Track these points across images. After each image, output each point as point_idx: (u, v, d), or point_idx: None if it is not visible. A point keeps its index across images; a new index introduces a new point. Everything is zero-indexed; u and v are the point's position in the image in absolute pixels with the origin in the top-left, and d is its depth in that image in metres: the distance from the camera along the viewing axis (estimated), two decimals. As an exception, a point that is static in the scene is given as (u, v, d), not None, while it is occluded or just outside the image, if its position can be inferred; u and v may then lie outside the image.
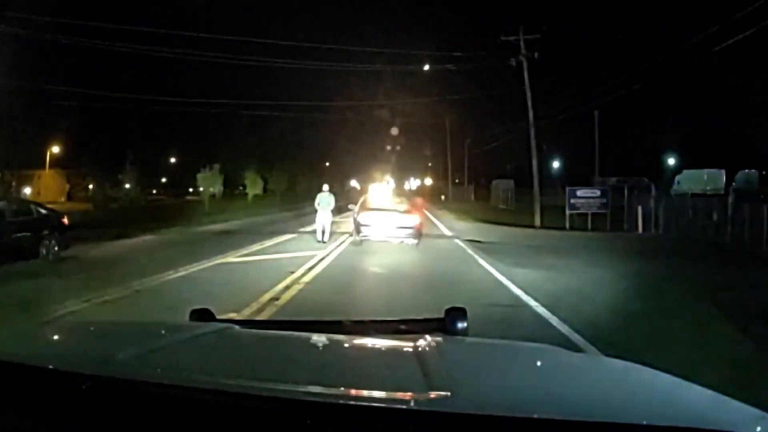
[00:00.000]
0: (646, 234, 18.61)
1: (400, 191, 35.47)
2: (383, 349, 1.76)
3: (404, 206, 15.92)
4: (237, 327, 1.92)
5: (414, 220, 14.73)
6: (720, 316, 6.65)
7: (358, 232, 14.52)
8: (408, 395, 1.15)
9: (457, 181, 57.62)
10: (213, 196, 38.29)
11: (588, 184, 29.08)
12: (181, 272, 9.82)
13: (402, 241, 14.27)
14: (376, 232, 14.39)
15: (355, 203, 16.25)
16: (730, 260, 12.25)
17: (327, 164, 74.70)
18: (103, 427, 1.07)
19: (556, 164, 51.75)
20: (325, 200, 15.77)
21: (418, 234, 14.39)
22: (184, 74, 69.01)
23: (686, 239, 16.11)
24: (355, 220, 14.91)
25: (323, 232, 15.44)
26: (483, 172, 55.78)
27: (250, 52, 50.60)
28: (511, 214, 28.09)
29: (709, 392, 1.27)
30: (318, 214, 15.72)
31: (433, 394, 1.13)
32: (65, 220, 12.82)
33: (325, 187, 16.22)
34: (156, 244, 15.88)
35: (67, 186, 56.94)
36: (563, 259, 12.13)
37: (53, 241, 11.92)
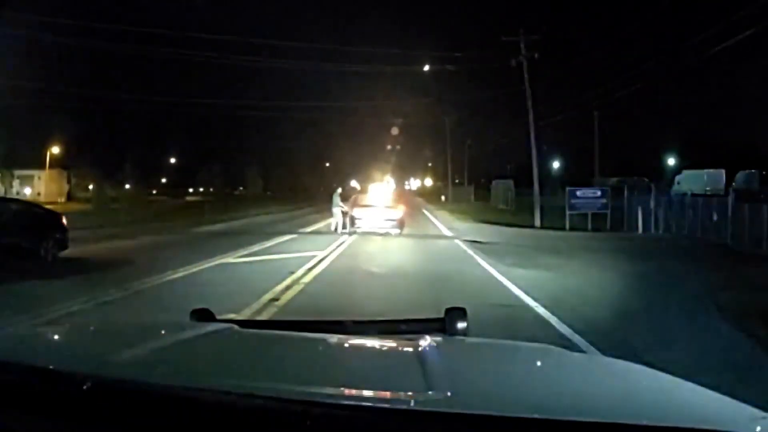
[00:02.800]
0: (646, 234, 18.61)
1: (400, 191, 36.45)
2: (383, 349, 1.76)
3: (389, 203, 19.64)
4: (237, 327, 1.92)
5: (397, 214, 18.41)
6: (721, 317, 6.65)
7: (352, 224, 18.04)
8: (408, 395, 1.15)
9: (457, 181, 57.59)
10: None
11: (588, 184, 29.09)
12: (181, 273, 9.80)
13: (387, 232, 17.50)
14: (367, 224, 17.86)
15: (346, 200, 19.91)
16: (731, 260, 12.25)
17: (327, 164, 74.82)
18: (104, 428, 1.07)
19: (556, 164, 51.73)
20: (335, 200, 19.33)
21: (401, 225, 18.11)
22: (185, 75, 69.01)
23: (686, 239, 16.11)
24: (349, 215, 18.42)
25: (337, 225, 18.86)
26: (483, 173, 55.80)
27: (250, 52, 50.63)
28: (511, 214, 28.09)
29: (709, 392, 1.27)
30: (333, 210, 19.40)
31: (433, 394, 1.13)
32: (64, 221, 12.73)
33: (339, 190, 20.25)
34: (155, 245, 15.88)
35: (67, 186, 56.94)
36: (563, 260, 12.13)
37: (52, 242, 11.86)
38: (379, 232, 17.48)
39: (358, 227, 17.78)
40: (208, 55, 30.82)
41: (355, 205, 18.97)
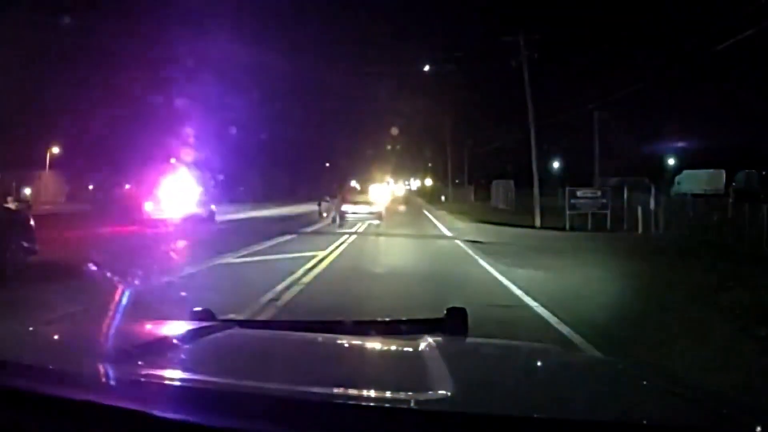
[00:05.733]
0: (646, 234, 18.60)
1: (396, 192, 42.52)
2: (383, 349, 1.76)
3: (371, 199, 27.33)
4: (237, 327, 1.92)
5: (377, 208, 25.64)
6: (720, 317, 6.65)
7: (341, 217, 22.61)
8: (408, 395, 1.15)
9: (457, 181, 57.49)
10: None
11: (588, 184, 29.07)
12: (180, 274, 9.72)
13: (370, 222, 22.37)
14: (352, 216, 23.64)
15: (334, 197, 25.07)
16: (731, 261, 12.24)
17: (327, 164, 74.83)
18: (103, 427, 1.07)
19: (556, 164, 51.64)
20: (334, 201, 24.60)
21: (380, 217, 24.58)
22: (183, 74, 68.76)
23: (686, 240, 16.11)
24: (339, 209, 23.09)
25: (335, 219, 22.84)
26: (483, 173, 55.66)
27: (249, 51, 50.51)
28: (511, 214, 28.08)
29: (710, 392, 1.27)
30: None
31: (433, 394, 1.13)
32: (32, 223, 10.80)
33: (335, 195, 25.19)
34: (149, 245, 15.69)
35: (67, 186, 56.87)
36: (563, 260, 12.12)
37: (17, 245, 9.98)
38: (363, 220, 22.75)
39: (346, 219, 22.55)
40: (209, 55, 30.81)
41: (343, 201, 24.34)
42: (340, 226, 21.08)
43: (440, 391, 1.14)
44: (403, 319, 2.07)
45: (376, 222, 22.54)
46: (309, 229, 20.16)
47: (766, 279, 9.65)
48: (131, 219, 18.96)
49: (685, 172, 39.08)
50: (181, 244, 15.34)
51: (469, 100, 49.95)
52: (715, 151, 40.69)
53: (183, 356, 1.53)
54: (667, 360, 4.69)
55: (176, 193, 20.55)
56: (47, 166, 50.70)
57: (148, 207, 19.97)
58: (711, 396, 1.25)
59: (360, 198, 27.14)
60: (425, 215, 31.03)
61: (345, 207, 23.77)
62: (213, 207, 23.66)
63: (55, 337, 1.91)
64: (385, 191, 31.26)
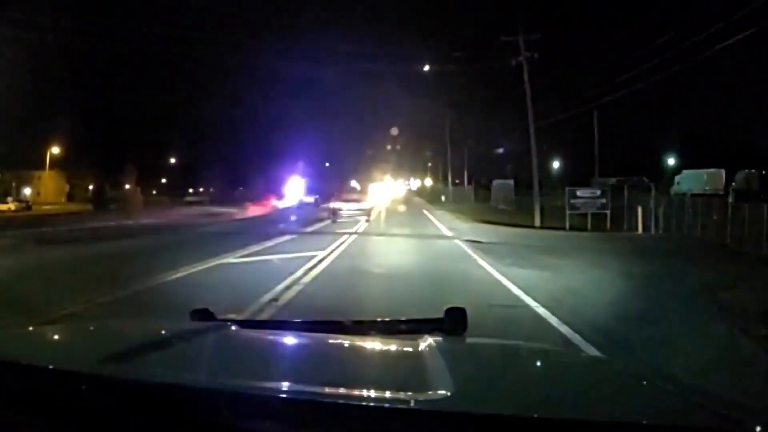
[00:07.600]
0: (646, 234, 18.61)
1: (396, 192, 48.91)
2: (383, 349, 1.76)
3: (362, 198, 33.75)
4: (237, 327, 1.92)
5: (366, 206, 31.01)
6: (720, 317, 6.64)
7: (334, 214, 25.99)
8: (408, 395, 1.15)
9: (457, 181, 57.46)
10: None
11: (588, 184, 29.09)
12: (182, 273, 9.72)
13: (359, 217, 26.74)
14: (345, 212, 27.67)
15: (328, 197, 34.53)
16: (730, 260, 12.25)
17: (327, 164, 74.90)
18: (103, 427, 1.07)
19: (556, 164, 51.63)
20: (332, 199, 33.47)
21: (369, 213, 28.39)
22: (184, 74, 68.92)
23: (686, 239, 16.11)
24: (333, 207, 27.91)
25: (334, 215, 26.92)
26: (483, 173, 55.62)
27: (249, 52, 50.60)
28: (511, 214, 28.08)
29: (709, 392, 1.27)
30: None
31: (433, 394, 1.13)
32: None
33: (336, 194, 32.68)
34: (143, 245, 15.58)
35: (67, 186, 56.90)
36: (563, 260, 12.12)
37: None
38: (354, 216, 27.04)
39: (339, 216, 25.97)
40: (207, 54, 30.91)
41: (337, 200, 30.74)
42: (334, 222, 23.86)
43: (440, 391, 1.14)
44: (403, 319, 2.07)
45: (365, 218, 26.59)
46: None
47: (766, 279, 9.66)
48: (266, 205, 32.94)
49: (685, 172, 39.05)
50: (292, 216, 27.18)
51: (470, 99, 49.88)
52: (714, 151, 40.65)
53: (182, 356, 1.53)
54: (667, 359, 4.69)
55: (290, 188, 35.15)
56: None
57: (273, 199, 33.51)
58: (711, 396, 1.25)
59: (352, 197, 33.89)
60: (425, 215, 31.04)
61: (338, 204, 29.00)
62: (317, 197, 37.01)
63: (55, 337, 1.91)
64: (384, 191, 35.63)
